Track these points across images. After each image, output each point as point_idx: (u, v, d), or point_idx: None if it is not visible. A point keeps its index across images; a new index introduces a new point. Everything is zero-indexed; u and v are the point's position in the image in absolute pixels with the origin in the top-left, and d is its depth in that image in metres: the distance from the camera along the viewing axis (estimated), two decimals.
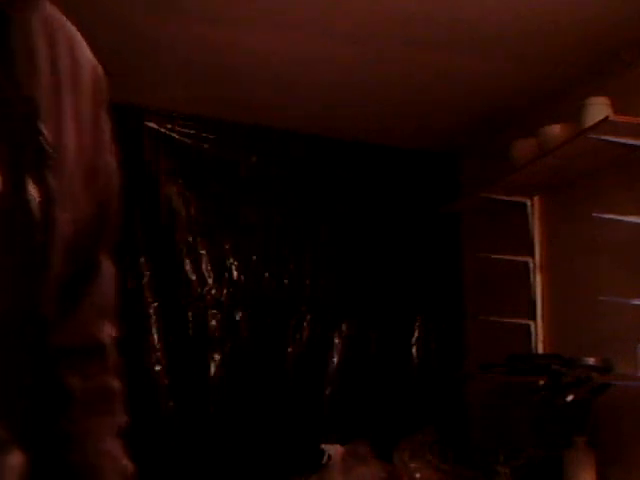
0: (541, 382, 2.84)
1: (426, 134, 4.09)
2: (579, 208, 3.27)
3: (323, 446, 3.44)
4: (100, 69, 1.02)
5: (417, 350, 4.21)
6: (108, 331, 1.04)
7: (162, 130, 3.81)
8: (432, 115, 3.80)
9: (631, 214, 2.74)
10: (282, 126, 3.98)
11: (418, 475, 3.34)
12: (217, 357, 3.77)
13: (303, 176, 4.08)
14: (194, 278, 3.80)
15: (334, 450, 3.40)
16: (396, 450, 3.51)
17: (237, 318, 3.84)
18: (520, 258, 3.57)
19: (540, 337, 3.46)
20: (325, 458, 3.41)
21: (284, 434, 3.79)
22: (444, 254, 4.34)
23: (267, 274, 3.94)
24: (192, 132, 3.87)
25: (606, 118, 2.60)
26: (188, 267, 3.79)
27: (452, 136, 4.11)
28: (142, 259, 3.70)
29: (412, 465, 3.37)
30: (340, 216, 4.12)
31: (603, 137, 2.70)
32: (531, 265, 3.54)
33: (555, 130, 3.05)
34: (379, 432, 3.84)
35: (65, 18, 0.94)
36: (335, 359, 4.00)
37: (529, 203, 3.57)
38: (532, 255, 3.54)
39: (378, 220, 4.21)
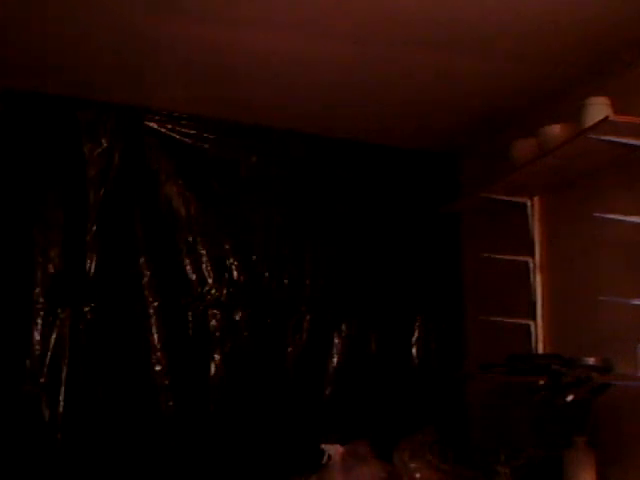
0: (541, 382, 2.84)
1: (426, 134, 4.09)
2: (579, 208, 3.27)
3: (323, 446, 3.43)
4: None
5: (417, 350, 4.21)
6: None
7: (162, 130, 3.81)
8: (432, 115, 3.80)
9: (631, 214, 2.74)
10: (282, 126, 3.98)
11: (418, 475, 3.34)
12: (217, 357, 3.77)
13: (303, 176, 4.08)
14: (194, 278, 3.79)
15: (334, 450, 3.40)
16: (396, 450, 3.50)
17: (237, 318, 3.83)
18: (520, 258, 3.57)
19: (540, 337, 3.46)
20: (325, 458, 3.41)
21: (284, 434, 3.79)
22: (444, 254, 4.34)
23: (267, 274, 3.93)
24: (192, 132, 3.86)
25: (606, 118, 2.59)
26: (188, 267, 3.79)
27: (452, 136, 4.12)
28: (142, 259, 3.69)
29: (412, 465, 3.37)
30: (340, 216, 4.12)
31: (603, 137, 2.70)
32: (531, 265, 3.54)
33: (555, 130, 3.05)
34: (379, 432, 3.84)
35: None
36: (335, 359, 4.00)
37: (529, 203, 3.57)
38: (532, 255, 3.54)
39: (378, 220, 4.21)
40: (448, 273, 4.33)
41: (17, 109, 3.53)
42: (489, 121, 3.81)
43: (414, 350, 4.21)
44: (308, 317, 3.97)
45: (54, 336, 3.47)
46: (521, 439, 3.42)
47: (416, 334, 4.22)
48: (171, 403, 3.62)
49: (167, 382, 3.63)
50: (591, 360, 2.78)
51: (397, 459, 3.44)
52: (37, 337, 3.44)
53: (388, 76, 3.32)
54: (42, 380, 3.41)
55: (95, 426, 3.47)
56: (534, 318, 3.49)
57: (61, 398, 3.43)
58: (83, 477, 3.39)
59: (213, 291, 3.82)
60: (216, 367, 3.76)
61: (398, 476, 3.39)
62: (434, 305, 4.27)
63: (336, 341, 4.02)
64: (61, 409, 3.42)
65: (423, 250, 4.30)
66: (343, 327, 4.03)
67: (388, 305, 4.17)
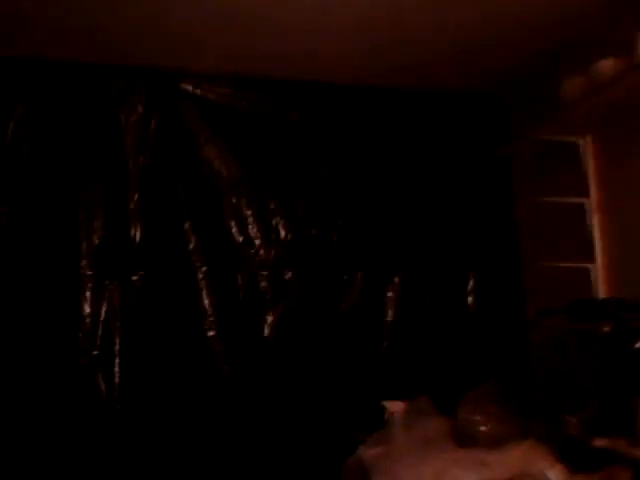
0: (606, 328, 2.75)
1: (473, 76, 3.92)
2: (635, 146, 3.14)
3: (384, 402, 3.39)
4: None
5: (474, 300, 4.12)
6: None
7: (198, 92, 3.74)
8: (479, 55, 3.63)
9: None
10: (320, 79, 3.86)
11: (482, 428, 3.27)
12: (270, 318, 3.73)
13: (346, 129, 3.97)
14: (241, 240, 3.75)
15: (395, 406, 3.36)
16: (458, 404, 3.45)
17: (287, 278, 3.78)
18: (575, 200, 3.46)
19: (600, 280, 3.36)
20: (386, 414, 3.37)
21: (343, 392, 3.75)
22: (497, 200, 4.21)
23: (315, 231, 3.86)
24: (229, 91, 3.79)
25: None
26: (234, 229, 3.74)
27: (500, 77, 3.95)
28: (187, 224, 3.65)
29: (475, 418, 3.30)
30: (388, 167, 4.02)
31: None
32: (587, 207, 3.42)
33: (607, 65, 2.92)
34: (440, 386, 3.76)
35: None
36: (390, 313, 3.93)
37: (582, 142, 3.46)
38: (587, 196, 3.42)
39: (427, 169, 4.10)
40: (502, 219, 4.20)
41: (51, 80, 3.49)
42: (538, 58, 3.66)
43: (470, 300, 4.11)
44: (359, 273, 3.90)
45: (104, 308, 3.45)
46: (588, 388, 3.34)
47: (471, 283, 4.12)
48: (227, 368, 3.60)
49: (221, 347, 3.61)
50: None
51: (460, 413, 3.38)
52: (87, 310, 3.43)
53: (432, 17, 3.19)
54: (96, 353, 3.41)
55: (152, 395, 3.46)
56: (593, 261, 3.38)
57: (116, 370, 3.42)
58: (143, 447, 3.40)
59: (261, 252, 3.76)
60: (269, 328, 3.72)
61: (462, 430, 3.33)
62: (490, 253, 4.15)
63: (389, 295, 3.94)
64: (117, 380, 3.42)
65: (475, 197, 4.16)
66: (396, 280, 3.95)
67: (442, 255, 4.07)
